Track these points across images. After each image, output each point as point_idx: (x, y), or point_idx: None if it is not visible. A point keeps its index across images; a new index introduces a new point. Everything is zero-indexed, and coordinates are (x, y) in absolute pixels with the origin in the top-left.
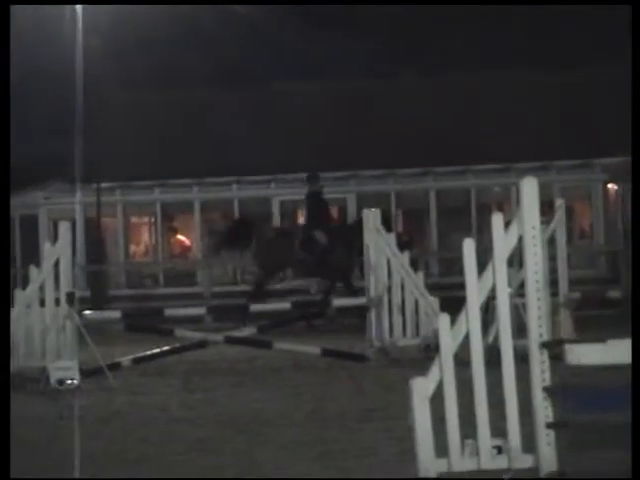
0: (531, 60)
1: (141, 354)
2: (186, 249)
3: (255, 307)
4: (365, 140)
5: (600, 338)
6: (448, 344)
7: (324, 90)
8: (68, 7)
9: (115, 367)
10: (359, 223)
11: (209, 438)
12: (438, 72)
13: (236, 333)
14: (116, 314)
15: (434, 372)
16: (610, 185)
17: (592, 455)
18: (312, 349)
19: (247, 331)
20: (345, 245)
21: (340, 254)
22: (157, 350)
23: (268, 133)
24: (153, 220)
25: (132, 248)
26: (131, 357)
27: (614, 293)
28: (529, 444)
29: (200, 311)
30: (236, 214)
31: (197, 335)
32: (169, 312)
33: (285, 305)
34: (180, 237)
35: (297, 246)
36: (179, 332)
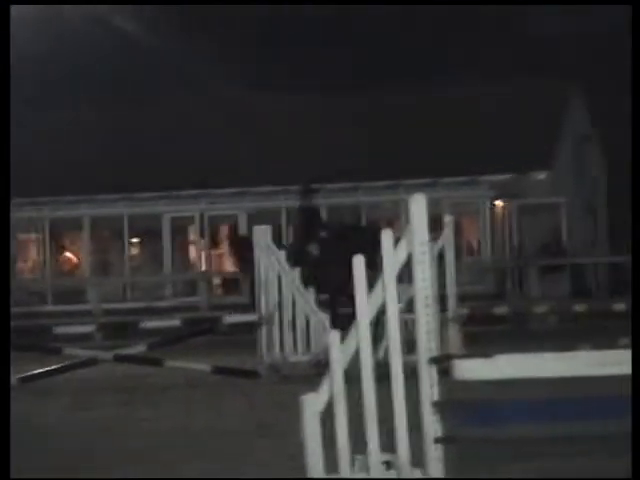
0: (421, 78)
1: (29, 373)
2: (74, 266)
3: (145, 324)
4: (256, 157)
5: (487, 353)
6: (338, 360)
7: (214, 107)
8: None
9: None
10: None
11: (94, 455)
12: (328, 91)
13: (126, 351)
14: None
15: (324, 388)
16: (497, 202)
17: (481, 469)
18: (203, 366)
19: (138, 348)
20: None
21: (336, 267)
22: (46, 369)
23: (158, 150)
24: (41, 237)
25: (20, 265)
26: (18, 376)
27: (501, 309)
28: (418, 459)
29: (89, 329)
30: (126, 231)
31: (87, 353)
32: (58, 330)
33: (175, 322)
34: (68, 254)
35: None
36: (68, 350)
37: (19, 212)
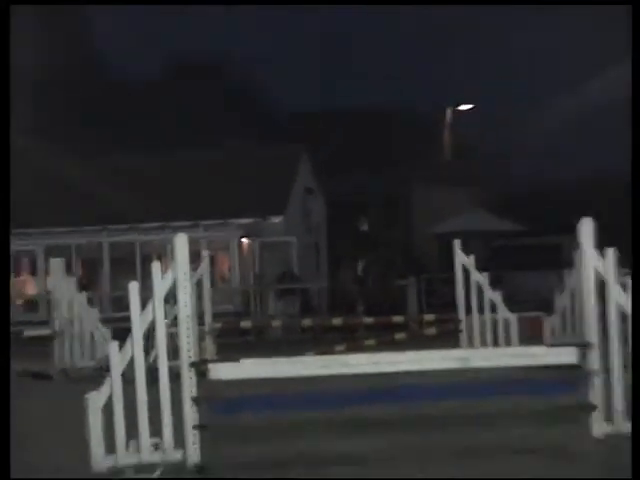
0: (184, 142)
1: None
2: None
3: None
4: (47, 201)
5: (235, 358)
6: (117, 365)
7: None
8: None
9: None
10: None
11: None
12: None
13: None
14: None
15: (105, 387)
16: (244, 239)
17: (228, 450)
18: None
19: None
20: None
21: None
22: None
23: None
24: None
25: None
26: None
27: (246, 323)
28: (180, 443)
29: None
30: None
31: None
32: None
33: None
34: None
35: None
36: None
37: None
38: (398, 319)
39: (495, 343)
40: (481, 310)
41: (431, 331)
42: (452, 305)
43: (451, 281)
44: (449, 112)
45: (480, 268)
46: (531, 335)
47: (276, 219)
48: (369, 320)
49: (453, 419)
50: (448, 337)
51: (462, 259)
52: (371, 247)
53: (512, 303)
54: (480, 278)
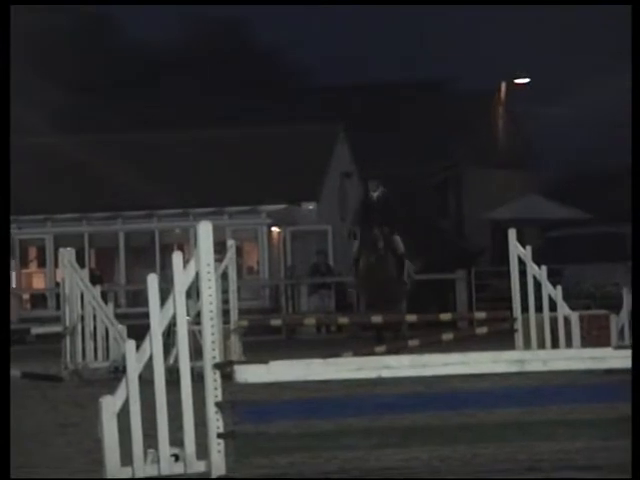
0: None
1: None
2: None
3: None
4: (58, 187)
5: (264, 360)
6: (134, 366)
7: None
8: None
9: None
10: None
11: None
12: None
13: None
14: None
15: (121, 390)
16: (274, 228)
17: (257, 460)
18: (12, 372)
19: None
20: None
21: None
22: None
23: None
24: None
25: None
26: None
27: (275, 321)
28: (203, 452)
29: None
30: None
31: None
32: None
33: None
34: None
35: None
36: None
37: None
38: (445, 317)
39: (554, 344)
40: (539, 307)
41: (482, 330)
42: (506, 301)
43: (505, 275)
44: (504, 86)
45: (537, 260)
46: (596, 335)
47: (309, 206)
48: (412, 318)
49: (507, 429)
50: (502, 337)
51: (518, 250)
52: (418, 237)
53: (573, 299)
54: (538, 272)
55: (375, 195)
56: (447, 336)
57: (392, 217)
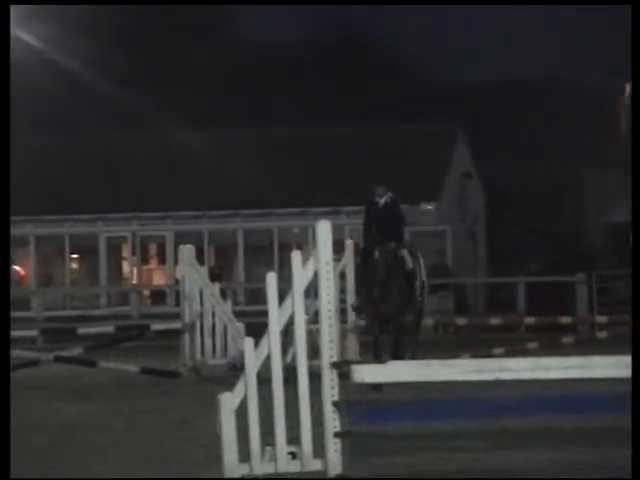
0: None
1: None
2: (22, 278)
3: (83, 330)
4: (181, 184)
5: (382, 360)
6: (252, 364)
7: (141, 143)
8: None
9: None
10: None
11: (35, 444)
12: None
13: (65, 353)
14: None
15: (239, 388)
16: None
17: (373, 460)
18: (132, 367)
19: (75, 351)
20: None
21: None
22: None
23: (90, 178)
24: None
25: None
26: None
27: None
28: (319, 451)
29: (33, 333)
30: (67, 248)
31: (30, 354)
32: None
33: (109, 328)
34: (16, 267)
35: None
36: (13, 352)
37: None
38: (565, 320)
39: None
40: None
41: (603, 334)
42: (628, 305)
43: (627, 277)
44: (628, 88)
45: None
46: None
47: (429, 206)
48: (531, 320)
49: (627, 434)
50: (624, 342)
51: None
52: (536, 239)
53: None
54: None
55: (382, 202)
56: (567, 339)
57: (399, 228)
